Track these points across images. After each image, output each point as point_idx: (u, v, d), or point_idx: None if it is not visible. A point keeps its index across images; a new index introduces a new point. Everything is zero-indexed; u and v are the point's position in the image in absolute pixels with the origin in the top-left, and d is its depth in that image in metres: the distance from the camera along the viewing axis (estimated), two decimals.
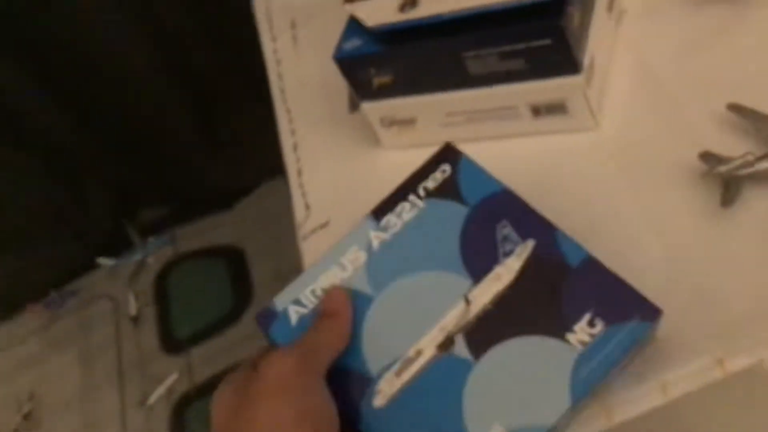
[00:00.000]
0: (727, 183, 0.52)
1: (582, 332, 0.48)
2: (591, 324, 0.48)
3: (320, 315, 0.51)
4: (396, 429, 0.49)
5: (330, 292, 0.52)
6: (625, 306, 0.47)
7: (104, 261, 2.09)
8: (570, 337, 0.48)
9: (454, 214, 0.54)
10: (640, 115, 0.60)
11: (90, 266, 2.06)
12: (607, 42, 0.63)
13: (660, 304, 0.46)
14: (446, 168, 0.56)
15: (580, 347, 0.47)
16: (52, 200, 1.74)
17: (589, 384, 0.47)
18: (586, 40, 0.57)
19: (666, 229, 0.55)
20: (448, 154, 0.57)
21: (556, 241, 0.51)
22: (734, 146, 0.53)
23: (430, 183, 0.55)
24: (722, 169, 0.52)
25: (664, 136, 0.58)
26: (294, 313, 0.53)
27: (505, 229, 0.52)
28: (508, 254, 0.51)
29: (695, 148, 0.54)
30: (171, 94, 1.45)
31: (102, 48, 1.30)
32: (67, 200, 1.72)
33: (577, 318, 0.48)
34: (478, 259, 0.51)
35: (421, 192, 0.55)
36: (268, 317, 0.54)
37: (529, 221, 0.52)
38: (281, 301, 0.54)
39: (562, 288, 0.49)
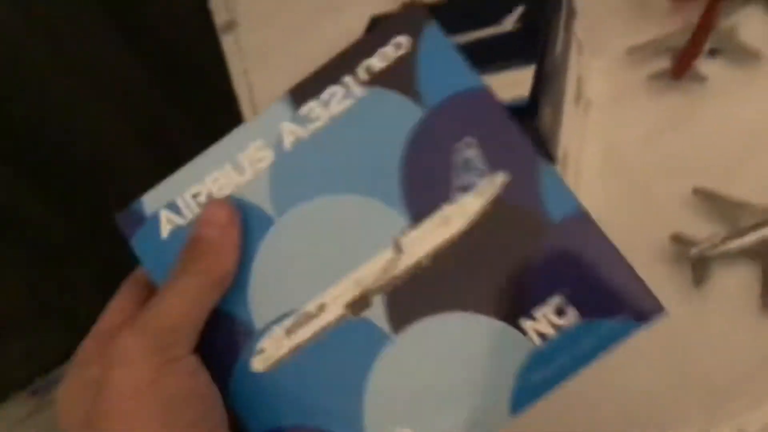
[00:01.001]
0: (697, 263, 0.53)
1: (544, 321, 0.35)
2: (559, 311, 0.35)
3: (190, 243, 0.37)
4: (271, 405, 0.36)
5: (208, 210, 0.38)
6: (614, 294, 0.34)
7: None
8: (526, 324, 0.35)
9: (403, 115, 0.37)
10: (611, 200, 0.59)
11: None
12: (577, 132, 0.61)
13: (641, 381, 0.41)
14: (403, 41, 0.38)
15: (537, 341, 0.35)
16: (37, 288, 1.72)
17: (538, 394, 0.34)
18: (559, 135, 0.56)
19: None
20: (409, 18, 0.39)
21: (537, 181, 0.36)
22: (703, 227, 0.54)
23: (376, 62, 0.38)
24: (692, 250, 0.53)
25: (636, 220, 0.58)
26: (166, 222, 0.38)
27: (469, 150, 0.37)
28: (465, 188, 0.37)
29: (666, 230, 0.55)
30: (152, 175, 1.45)
31: (77, 132, 1.30)
32: (53, 286, 1.71)
33: (541, 299, 0.35)
34: (423, 190, 0.37)
35: (362, 74, 0.38)
36: (133, 220, 0.39)
37: (506, 144, 0.36)
38: (151, 200, 0.39)
39: (530, 251, 0.35)
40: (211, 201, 0.38)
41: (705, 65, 0.58)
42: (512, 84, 0.52)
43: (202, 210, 0.38)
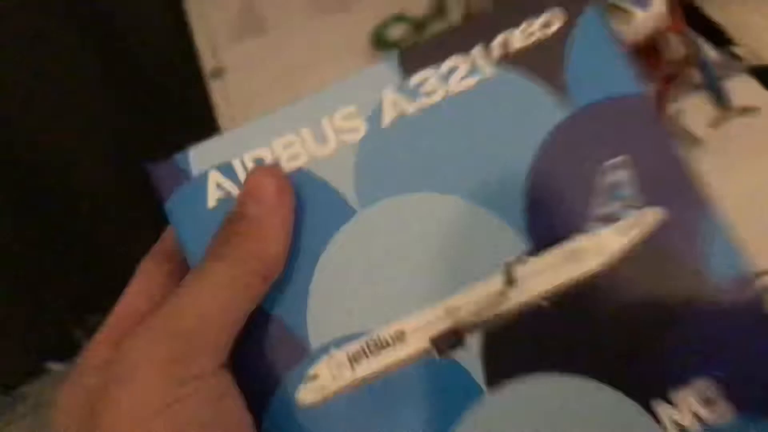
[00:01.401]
0: None
1: (686, 409, 0.27)
2: (707, 400, 0.27)
3: (227, 222, 0.29)
4: None
5: (252, 179, 0.29)
6: None
7: (54, 366, 2.05)
8: (662, 409, 0.27)
9: (541, 110, 0.29)
10: None
11: (39, 371, 1.99)
12: None
13: None
14: (556, 19, 0.30)
15: None
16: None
17: None
18: None
19: None
20: None
21: (700, 226, 0.28)
22: None
23: (518, 39, 0.30)
24: None
25: None
26: (215, 187, 0.30)
27: (619, 172, 0.29)
28: (606, 219, 0.29)
29: None
30: (125, 208, 1.36)
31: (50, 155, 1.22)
32: (13, 307, 1.65)
33: (684, 379, 0.27)
34: (553, 210, 0.29)
35: (497, 49, 0.30)
36: (172, 176, 0.30)
37: (666, 173, 0.28)
38: (201, 155, 0.30)
39: (680, 314, 0.28)
40: (258, 168, 0.29)
41: None
42: None
43: (246, 179, 0.29)
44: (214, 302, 0.26)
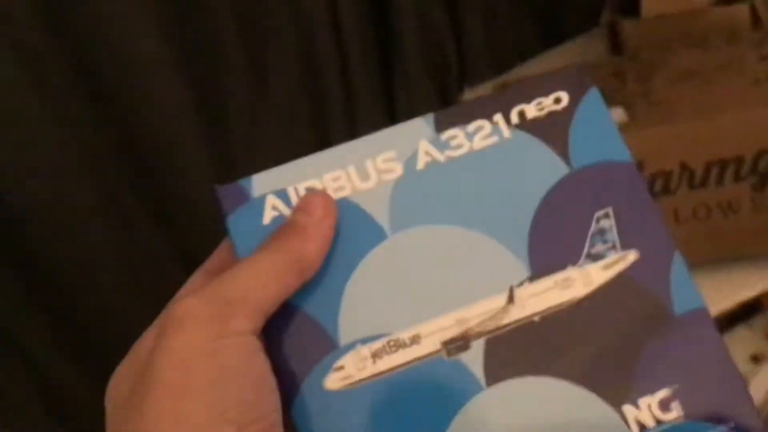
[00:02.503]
0: None
1: (647, 412, 0.33)
2: (664, 405, 0.33)
3: (279, 227, 0.34)
4: (336, 430, 0.33)
5: (305, 197, 0.35)
6: (723, 402, 0.33)
7: None
8: (628, 411, 0.33)
9: (547, 167, 0.36)
10: None
11: None
12: None
13: None
14: (563, 97, 0.38)
15: (636, 431, 0.33)
16: None
17: None
18: None
19: None
20: (573, 79, 0.38)
21: (669, 268, 0.35)
22: None
23: (532, 110, 0.37)
24: None
25: None
26: (271, 208, 0.35)
27: (605, 221, 0.36)
28: (594, 257, 0.35)
29: None
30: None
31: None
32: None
33: (649, 389, 0.33)
34: (551, 246, 0.35)
35: (514, 117, 0.37)
36: (236, 197, 0.36)
37: (643, 223, 0.35)
38: (262, 182, 0.36)
39: (649, 337, 0.34)
40: (316, 191, 0.36)
41: None
42: None
43: (303, 198, 0.35)
44: (253, 280, 0.32)
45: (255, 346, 0.31)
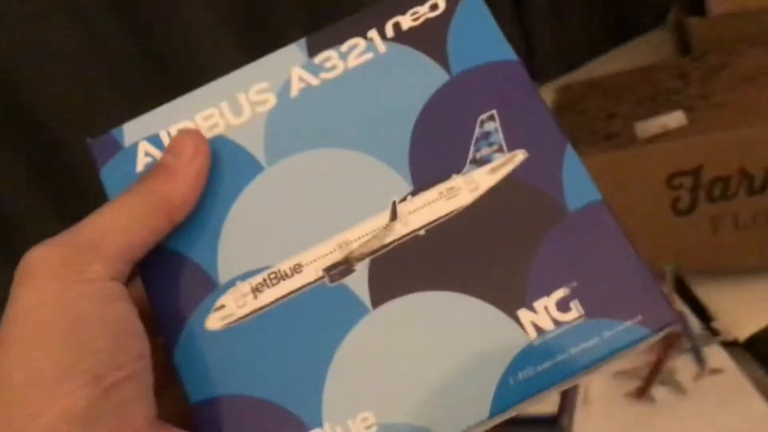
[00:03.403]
0: None
1: (544, 314, 0.30)
2: (562, 306, 0.30)
3: (149, 170, 0.33)
4: (218, 369, 0.31)
5: (176, 138, 0.33)
6: (626, 295, 0.30)
7: None
8: (523, 315, 0.30)
9: (426, 77, 0.34)
10: None
11: None
12: (581, 423, 0.83)
13: None
14: (439, 2, 0.35)
15: (533, 335, 0.30)
16: None
17: (523, 396, 0.29)
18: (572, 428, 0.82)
19: None
20: None
21: (560, 165, 0.32)
22: None
23: (407, 20, 0.35)
24: None
25: None
26: (144, 154, 0.34)
27: (490, 124, 0.33)
28: (479, 162, 0.33)
29: None
30: None
31: None
32: None
33: (545, 291, 0.31)
34: (434, 157, 0.33)
35: (389, 30, 0.35)
36: (108, 148, 0.35)
37: (530, 122, 0.33)
38: (133, 130, 0.35)
39: (541, 237, 0.31)
40: (181, 130, 0.34)
41: (657, 391, 0.83)
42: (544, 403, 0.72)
43: (173, 138, 0.34)
44: (112, 223, 0.30)
45: (114, 292, 0.30)
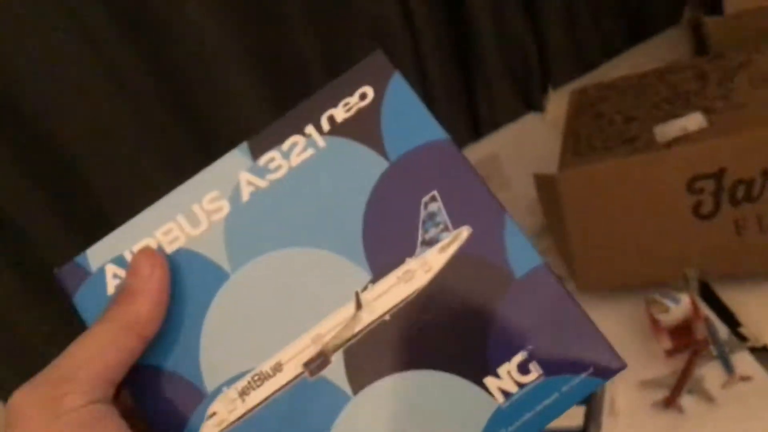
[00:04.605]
0: None
1: (508, 378, 0.34)
2: (523, 369, 0.34)
3: (114, 295, 0.35)
4: None
5: (133, 259, 0.35)
6: (577, 351, 0.34)
7: None
8: (490, 382, 0.34)
9: (367, 167, 0.36)
10: None
11: None
12: None
13: None
14: (368, 91, 0.37)
15: (501, 399, 0.33)
16: None
17: None
18: None
19: None
20: (374, 70, 0.37)
21: (502, 236, 0.35)
22: None
23: (340, 112, 0.37)
24: None
25: None
26: (112, 277, 0.36)
27: (433, 205, 0.36)
28: (429, 243, 0.35)
29: None
30: None
31: None
32: None
33: (505, 356, 0.34)
34: (386, 244, 0.35)
35: (325, 124, 0.37)
36: (76, 275, 0.36)
37: (469, 197, 0.35)
38: (96, 254, 0.36)
39: (495, 307, 0.34)
40: (139, 251, 0.36)
41: (685, 400, 0.82)
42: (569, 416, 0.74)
43: (132, 259, 0.35)
44: (87, 353, 0.32)
45: (99, 413, 0.32)
